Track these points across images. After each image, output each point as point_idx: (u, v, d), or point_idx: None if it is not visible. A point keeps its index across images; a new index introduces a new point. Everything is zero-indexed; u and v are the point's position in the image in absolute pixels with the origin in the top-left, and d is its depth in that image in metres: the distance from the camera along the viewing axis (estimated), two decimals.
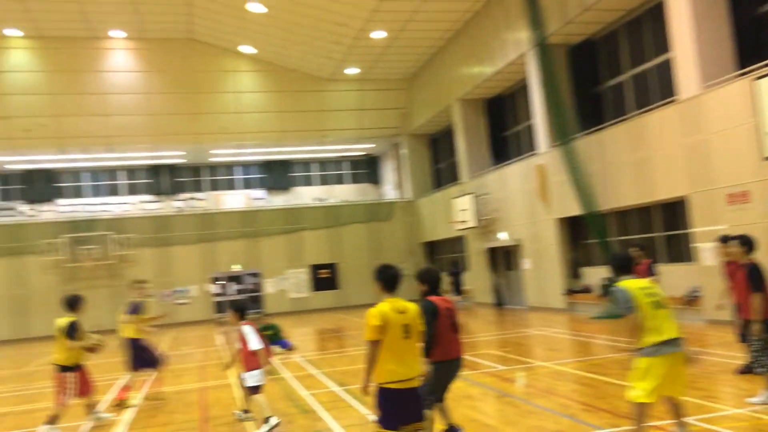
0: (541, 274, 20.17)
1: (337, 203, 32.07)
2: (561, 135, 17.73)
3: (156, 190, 32.29)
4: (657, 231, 16.19)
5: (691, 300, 14.16)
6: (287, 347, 15.01)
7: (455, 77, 25.43)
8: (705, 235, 13.49)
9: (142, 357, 10.03)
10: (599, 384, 8.84)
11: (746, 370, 8.31)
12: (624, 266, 5.60)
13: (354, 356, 13.46)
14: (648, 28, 16.86)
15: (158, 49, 28.07)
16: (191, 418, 8.77)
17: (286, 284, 29.31)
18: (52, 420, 8.17)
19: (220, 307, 27.30)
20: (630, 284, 5.39)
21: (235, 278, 29.00)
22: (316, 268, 29.71)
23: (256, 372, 7.77)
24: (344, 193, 34.88)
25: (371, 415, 7.85)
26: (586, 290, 18.29)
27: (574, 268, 19.03)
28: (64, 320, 8.40)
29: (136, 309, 10.06)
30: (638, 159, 15.57)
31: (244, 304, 8.55)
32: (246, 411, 8.30)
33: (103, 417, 8.94)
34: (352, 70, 28.91)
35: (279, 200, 33.57)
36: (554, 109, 18.15)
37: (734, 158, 12.70)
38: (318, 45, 26.38)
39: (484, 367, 10.66)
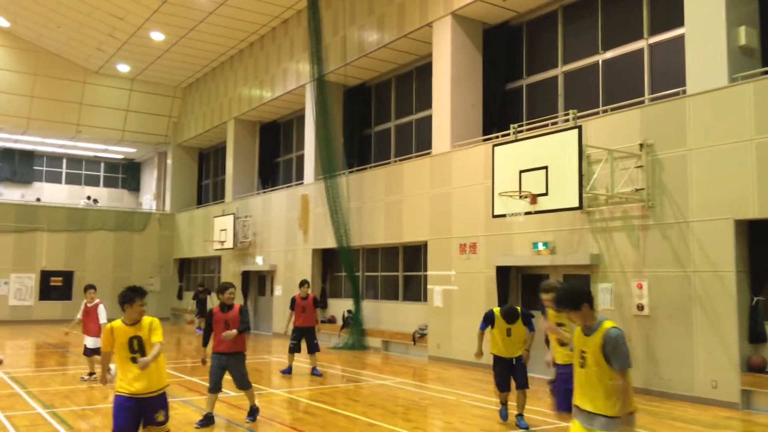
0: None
1: (82, 206, 29.09)
2: (327, 169, 18.28)
3: None
4: (400, 270, 17.30)
5: (419, 337, 15.30)
6: None
7: (234, 95, 25.01)
8: (437, 279, 14.75)
9: None
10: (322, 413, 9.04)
11: None
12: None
13: (73, 376, 12.12)
14: (415, 84, 18.29)
15: None
16: None
17: (6, 289, 25.65)
18: None
19: None
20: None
21: None
22: (47, 274, 26.49)
23: None
24: (97, 195, 32.01)
25: None
26: (330, 321, 18.82)
27: (322, 299, 19.49)
28: None
29: None
30: (392, 202, 16.62)
31: None
32: None
33: None
34: (123, 67, 26.90)
35: (16, 194, 29.69)
36: (324, 144, 18.69)
37: (470, 213, 14.14)
38: (88, 33, 24.12)
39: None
